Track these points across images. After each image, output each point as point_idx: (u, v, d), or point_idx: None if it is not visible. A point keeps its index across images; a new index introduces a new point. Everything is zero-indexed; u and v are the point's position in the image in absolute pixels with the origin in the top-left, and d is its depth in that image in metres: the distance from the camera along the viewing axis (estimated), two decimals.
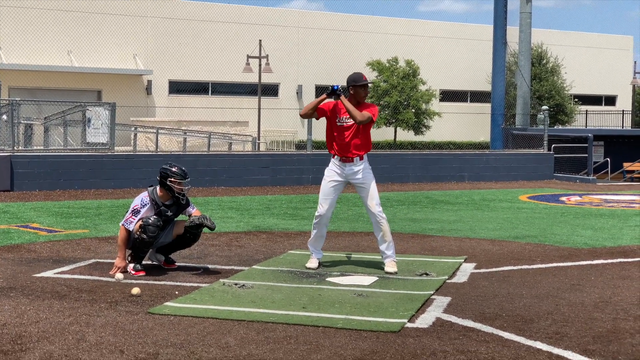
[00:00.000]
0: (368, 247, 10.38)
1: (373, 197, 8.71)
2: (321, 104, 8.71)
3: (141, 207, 8.46)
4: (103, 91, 38.29)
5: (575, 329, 6.34)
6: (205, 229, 8.73)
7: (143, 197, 8.55)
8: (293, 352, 5.65)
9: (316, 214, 8.87)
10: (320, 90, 42.94)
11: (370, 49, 43.56)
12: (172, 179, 8.48)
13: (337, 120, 8.69)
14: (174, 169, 8.52)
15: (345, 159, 8.69)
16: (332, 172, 8.78)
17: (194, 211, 8.75)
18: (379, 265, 8.93)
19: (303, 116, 8.89)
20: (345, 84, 8.80)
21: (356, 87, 8.63)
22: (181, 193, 8.55)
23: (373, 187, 8.73)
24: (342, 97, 8.56)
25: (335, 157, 8.76)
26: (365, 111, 8.56)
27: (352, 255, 9.73)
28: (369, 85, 8.79)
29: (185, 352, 5.61)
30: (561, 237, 11.61)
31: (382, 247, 8.77)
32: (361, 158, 8.71)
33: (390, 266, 8.67)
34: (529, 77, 32.08)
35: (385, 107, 40.88)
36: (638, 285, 8.08)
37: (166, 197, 8.56)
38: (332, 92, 8.54)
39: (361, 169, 8.71)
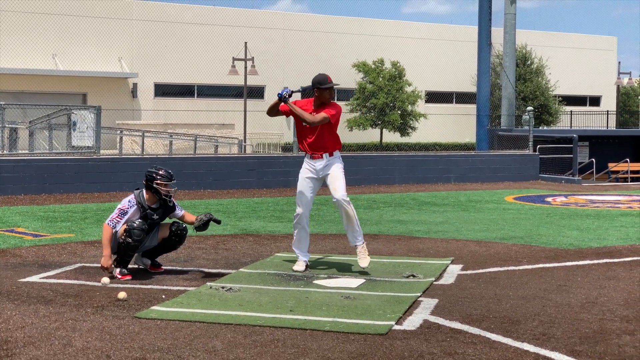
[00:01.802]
0: (350, 250, 10.36)
1: (337, 181, 8.69)
2: (281, 105, 8.80)
3: (129, 208, 8.44)
4: (88, 94, 38.19)
5: (562, 330, 6.36)
6: (212, 224, 8.77)
7: (130, 198, 8.54)
8: (280, 355, 5.64)
9: (295, 214, 8.91)
10: (305, 91, 42.90)
11: (355, 50, 43.62)
12: (159, 182, 8.46)
13: (302, 122, 8.74)
14: (160, 172, 8.52)
15: (314, 155, 8.76)
16: (305, 170, 8.86)
17: (182, 213, 8.74)
18: (365, 268, 8.93)
19: (268, 114, 9.01)
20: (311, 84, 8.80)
21: (321, 89, 8.68)
22: (168, 195, 8.54)
23: (339, 173, 8.72)
24: (289, 103, 8.64)
25: (307, 154, 8.83)
26: (321, 112, 8.60)
27: (339, 258, 9.73)
28: (334, 87, 8.80)
29: (173, 356, 5.59)
30: (547, 238, 11.65)
31: (350, 233, 8.75)
32: (331, 154, 8.75)
33: (363, 259, 8.64)
34: (514, 78, 32.17)
35: (372, 109, 40.92)
36: (624, 286, 8.11)
37: (153, 200, 8.54)
38: (280, 98, 8.60)
39: (330, 163, 8.75)
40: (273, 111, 8.86)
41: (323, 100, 8.71)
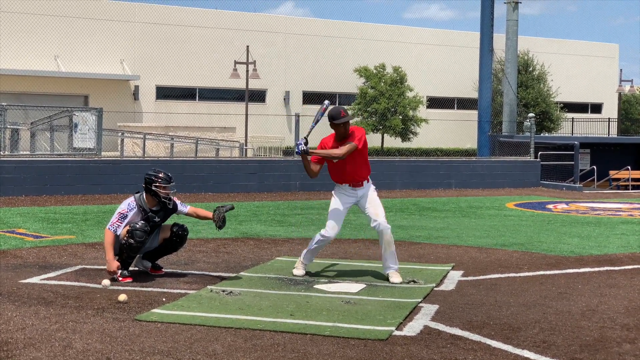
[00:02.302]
0: (356, 254, 10.38)
1: (377, 207, 8.59)
2: (312, 158, 8.58)
3: (128, 211, 8.45)
4: (90, 96, 38.20)
5: (563, 337, 6.35)
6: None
7: (130, 201, 8.54)
8: (280, 359, 5.64)
9: (323, 233, 8.67)
10: (307, 96, 42.96)
11: (357, 55, 43.63)
12: (157, 184, 8.47)
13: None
14: (158, 174, 8.52)
15: (355, 184, 8.62)
16: (343, 195, 8.65)
17: (187, 209, 8.70)
18: (366, 273, 8.94)
19: (310, 175, 8.70)
20: (329, 99, 8.71)
21: (334, 124, 8.48)
22: (167, 197, 8.54)
23: (377, 199, 8.65)
24: (312, 152, 8.37)
25: (344, 184, 8.64)
26: (345, 144, 8.40)
27: (340, 263, 9.73)
28: (349, 120, 8.53)
29: (173, 359, 5.59)
30: (548, 245, 11.64)
31: (387, 260, 8.65)
32: (367, 180, 8.68)
33: (395, 276, 8.57)
34: (516, 85, 32.19)
35: (373, 114, 40.92)
36: (625, 294, 8.11)
37: (153, 203, 8.55)
38: (301, 154, 8.39)
39: (365, 193, 8.63)
40: (310, 169, 8.57)
41: (340, 134, 8.50)
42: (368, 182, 8.70)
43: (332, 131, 8.57)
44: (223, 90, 41.90)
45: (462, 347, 6.01)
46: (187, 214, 8.71)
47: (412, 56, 46.54)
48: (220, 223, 8.55)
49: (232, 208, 8.77)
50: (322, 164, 8.69)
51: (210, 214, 8.61)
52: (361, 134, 8.55)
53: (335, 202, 8.66)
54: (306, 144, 8.33)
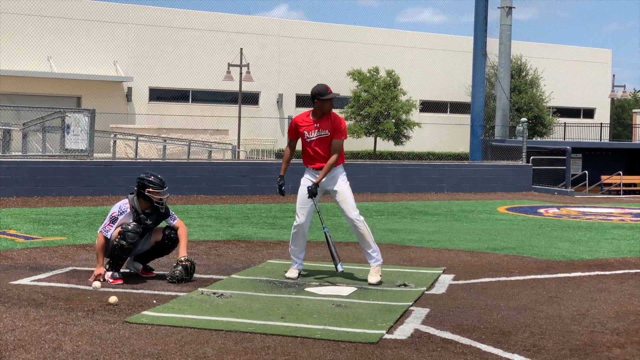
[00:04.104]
0: (348, 257, 10.37)
1: (347, 201, 8.71)
2: (290, 136, 8.85)
3: (119, 215, 8.43)
4: (83, 97, 38.15)
5: (553, 341, 6.36)
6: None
7: (122, 204, 8.53)
8: None
9: (294, 223, 8.86)
10: (300, 99, 42.99)
11: (351, 58, 43.69)
12: (150, 189, 8.45)
13: (305, 137, 8.74)
14: (151, 179, 8.50)
15: (319, 168, 8.70)
16: (308, 181, 8.80)
17: (175, 222, 8.71)
18: (357, 276, 8.94)
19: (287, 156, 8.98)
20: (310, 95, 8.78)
21: (322, 100, 8.62)
22: (160, 202, 8.53)
23: (346, 190, 8.71)
24: (316, 185, 8.61)
25: (309, 168, 8.78)
26: (334, 140, 8.59)
27: (331, 266, 9.71)
28: (334, 97, 8.74)
29: None
30: (539, 249, 11.66)
31: (366, 251, 8.76)
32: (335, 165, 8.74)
33: (373, 275, 8.63)
34: (509, 89, 32.25)
35: (366, 117, 40.95)
36: (615, 299, 8.12)
37: (146, 206, 8.54)
38: (311, 196, 8.62)
39: (334, 175, 8.72)
40: (288, 159, 8.91)
41: (324, 111, 8.66)
42: (336, 167, 8.74)
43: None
44: (216, 93, 41.90)
45: (453, 351, 6.01)
46: (173, 227, 8.69)
47: (406, 60, 46.60)
48: (171, 273, 8.40)
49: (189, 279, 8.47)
50: (296, 140, 8.89)
51: (182, 253, 8.51)
52: (344, 126, 8.76)
53: (301, 189, 8.82)
54: (313, 192, 8.63)
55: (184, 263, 8.41)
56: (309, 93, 8.83)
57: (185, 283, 8.31)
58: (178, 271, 8.38)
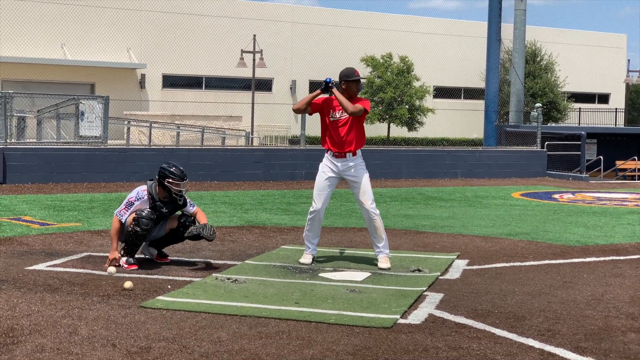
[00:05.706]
0: (361, 243, 10.38)
1: (366, 193, 8.72)
2: (315, 99, 8.74)
3: (135, 200, 8.46)
4: (96, 84, 38.20)
5: (567, 326, 6.35)
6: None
7: (140, 190, 8.56)
8: (285, 347, 5.65)
9: (310, 209, 8.85)
10: (314, 85, 42.92)
11: (364, 44, 43.55)
12: (170, 180, 8.46)
13: (330, 116, 8.71)
14: (172, 169, 8.51)
15: (339, 154, 8.69)
16: (326, 167, 8.78)
17: (194, 210, 8.73)
18: (371, 261, 8.94)
19: (296, 111, 8.90)
20: (338, 78, 8.81)
21: (348, 82, 8.66)
22: (179, 194, 8.54)
23: (366, 183, 8.73)
24: (335, 90, 8.58)
25: (329, 152, 8.77)
26: (357, 104, 8.59)
27: (345, 251, 9.73)
28: (362, 81, 8.78)
29: (178, 346, 5.60)
30: (554, 234, 11.63)
31: (375, 244, 8.78)
32: (354, 154, 8.71)
33: (383, 262, 8.68)
34: (523, 75, 32.10)
35: (379, 103, 40.88)
36: (630, 283, 8.10)
37: (164, 194, 8.56)
38: (326, 85, 8.55)
39: (354, 165, 8.72)
40: (305, 104, 8.74)
41: (350, 94, 8.66)
42: (354, 155, 8.71)
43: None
44: (229, 79, 41.88)
45: (467, 335, 6.01)
46: (191, 214, 8.72)
47: (419, 46, 46.43)
48: (189, 234, 8.56)
49: (210, 240, 8.63)
50: (313, 113, 8.86)
51: (202, 221, 8.65)
52: (368, 104, 8.73)
53: (319, 174, 8.82)
54: (333, 85, 8.58)
55: (203, 222, 8.59)
56: (322, 80, 8.83)
57: (201, 240, 8.62)
58: (197, 228, 8.48)
